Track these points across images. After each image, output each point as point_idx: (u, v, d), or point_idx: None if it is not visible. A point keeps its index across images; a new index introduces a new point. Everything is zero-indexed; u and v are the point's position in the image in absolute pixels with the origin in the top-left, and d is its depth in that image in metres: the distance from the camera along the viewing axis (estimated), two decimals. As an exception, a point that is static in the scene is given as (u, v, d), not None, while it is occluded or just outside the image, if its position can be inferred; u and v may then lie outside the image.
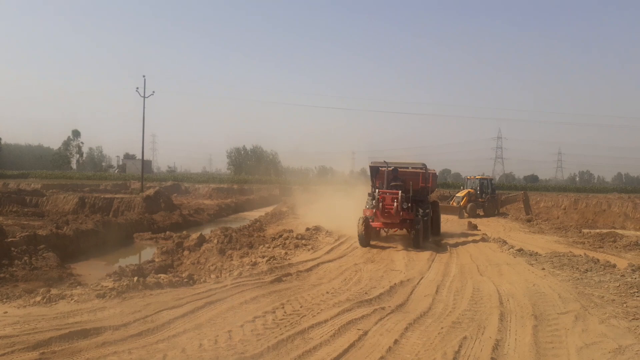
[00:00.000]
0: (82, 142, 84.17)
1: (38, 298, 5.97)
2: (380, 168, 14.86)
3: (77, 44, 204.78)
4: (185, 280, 7.31)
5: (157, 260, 12.49)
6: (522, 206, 29.19)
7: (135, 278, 6.75)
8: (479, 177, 30.13)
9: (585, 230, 18.92)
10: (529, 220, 24.02)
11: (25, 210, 25.77)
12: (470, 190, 28.15)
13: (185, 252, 13.16)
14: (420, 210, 13.48)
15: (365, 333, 5.28)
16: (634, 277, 8.45)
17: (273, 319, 5.64)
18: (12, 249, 12.54)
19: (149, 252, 15.51)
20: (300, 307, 6.25)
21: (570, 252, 11.58)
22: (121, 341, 4.80)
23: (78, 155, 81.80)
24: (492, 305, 6.63)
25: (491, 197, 28.67)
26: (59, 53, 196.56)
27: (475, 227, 19.28)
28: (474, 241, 14.21)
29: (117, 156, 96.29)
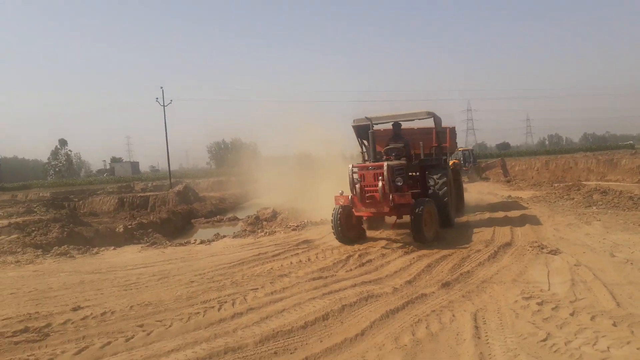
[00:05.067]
0: (70, 150, 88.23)
1: (251, 236, 11.17)
2: (369, 127, 10.38)
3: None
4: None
5: (247, 229, 17.57)
6: (501, 171, 35.25)
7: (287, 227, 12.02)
8: (461, 149, 36.03)
9: (556, 184, 24.65)
10: (508, 182, 29.95)
11: (75, 212, 30.07)
12: (455, 160, 33.91)
13: (264, 223, 18.27)
14: (434, 181, 10.31)
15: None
16: (582, 200, 14.20)
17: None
18: (134, 232, 17.47)
19: (225, 230, 20.48)
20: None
21: (544, 195, 17.31)
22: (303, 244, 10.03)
23: (67, 164, 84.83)
24: (506, 221, 12.16)
25: (473, 165, 34.62)
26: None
27: (466, 189, 24.93)
28: (474, 195, 19.81)
29: (104, 160, 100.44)
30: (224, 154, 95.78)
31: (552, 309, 4.98)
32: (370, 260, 7.89)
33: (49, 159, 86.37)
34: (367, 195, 9.20)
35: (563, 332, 4.39)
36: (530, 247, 7.95)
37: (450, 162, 32.61)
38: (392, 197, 8.91)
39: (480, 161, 40.24)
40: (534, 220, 11.22)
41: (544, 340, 4.22)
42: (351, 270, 7.38)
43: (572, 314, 4.80)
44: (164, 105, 37.55)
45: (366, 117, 10.55)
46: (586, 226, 9.91)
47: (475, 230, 10.41)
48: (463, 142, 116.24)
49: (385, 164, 9.09)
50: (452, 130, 13.30)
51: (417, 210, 8.77)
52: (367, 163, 9.82)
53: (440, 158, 11.28)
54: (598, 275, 6.08)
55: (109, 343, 4.71)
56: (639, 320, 4.56)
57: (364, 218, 10.02)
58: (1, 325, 5.38)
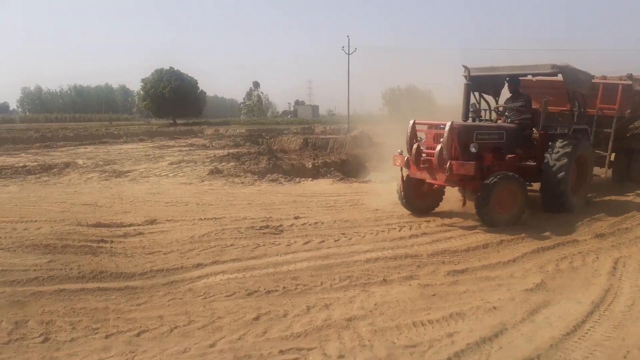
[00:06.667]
0: (262, 92, 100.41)
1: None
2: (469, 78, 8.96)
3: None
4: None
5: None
6: None
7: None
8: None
9: None
10: None
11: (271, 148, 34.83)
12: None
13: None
14: (552, 153, 8.26)
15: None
16: None
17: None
18: (319, 169, 20.21)
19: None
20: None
21: None
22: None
23: (258, 104, 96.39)
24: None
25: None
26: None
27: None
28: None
29: (289, 103, 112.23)
30: (398, 100, 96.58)
31: (696, 265, 5.64)
32: (532, 210, 8.85)
33: (244, 99, 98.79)
34: (422, 158, 7.98)
35: (695, 281, 5.14)
36: None
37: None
38: (449, 164, 7.30)
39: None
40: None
41: (673, 284, 5.06)
42: (513, 216, 8.47)
43: None
44: (348, 54, 40.10)
45: (464, 66, 8.91)
46: None
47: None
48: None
49: (449, 123, 7.50)
50: (627, 88, 10.50)
51: (487, 183, 7.29)
52: (438, 121, 8.07)
53: (569, 125, 8.75)
54: None
55: (323, 241, 6.80)
56: None
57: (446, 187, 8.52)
58: (250, 222, 7.88)
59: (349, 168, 24.19)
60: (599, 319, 4.21)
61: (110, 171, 14.41)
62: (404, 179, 8.40)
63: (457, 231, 7.37)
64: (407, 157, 8.15)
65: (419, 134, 8.26)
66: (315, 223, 7.79)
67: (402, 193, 8.49)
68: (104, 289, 5.04)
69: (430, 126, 8.06)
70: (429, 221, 8.00)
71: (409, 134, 8.16)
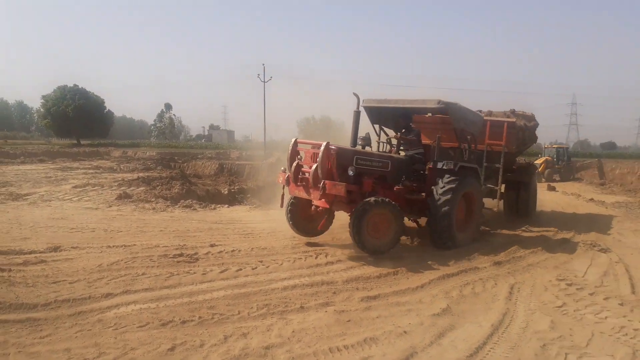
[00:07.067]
0: (174, 114, 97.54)
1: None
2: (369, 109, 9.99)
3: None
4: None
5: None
6: (597, 173, 34.38)
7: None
8: (556, 146, 35.56)
9: (658, 193, 23.80)
10: (601, 184, 29.40)
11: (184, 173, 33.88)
12: (547, 157, 33.68)
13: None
14: (437, 189, 8.35)
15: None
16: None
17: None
18: (236, 195, 20.09)
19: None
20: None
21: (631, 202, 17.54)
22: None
23: (170, 126, 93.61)
24: (572, 221, 13.01)
25: (567, 163, 34.13)
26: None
27: (553, 188, 25.05)
28: (557, 195, 20.28)
29: (203, 127, 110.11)
30: (313, 130, 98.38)
31: (577, 289, 6.36)
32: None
33: (155, 120, 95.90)
34: (300, 176, 8.13)
35: (577, 304, 5.80)
36: (583, 244, 9.12)
37: (542, 159, 32.81)
38: (323, 183, 7.43)
39: (575, 160, 39.25)
40: (601, 223, 12.05)
41: (559, 306, 5.68)
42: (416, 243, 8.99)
43: (591, 294, 6.17)
44: (264, 81, 40.44)
45: (354, 94, 8.99)
46: (651, 234, 10.68)
47: (538, 229, 11.45)
48: (563, 138, 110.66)
49: (324, 144, 7.64)
50: (512, 125, 11.19)
51: (361, 204, 7.45)
52: (317, 141, 8.04)
53: (456, 162, 8.74)
54: (630, 270, 7.30)
55: (241, 269, 6.79)
56: (644, 305, 5.83)
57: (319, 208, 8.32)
58: (163, 250, 7.67)
59: (266, 195, 24.17)
60: (497, 341, 4.62)
61: (7, 194, 13.33)
62: (284, 197, 8.51)
63: (369, 258, 7.66)
64: (288, 175, 8.31)
65: (301, 153, 8.31)
66: (232, 251, 7.76)
67: (288, 209, 8.62)
68: (3, 321, 4.69)
69: (313, 146, 8.08)
70: (344, 248, 8.26)
71: (289, 151, 8.23)
